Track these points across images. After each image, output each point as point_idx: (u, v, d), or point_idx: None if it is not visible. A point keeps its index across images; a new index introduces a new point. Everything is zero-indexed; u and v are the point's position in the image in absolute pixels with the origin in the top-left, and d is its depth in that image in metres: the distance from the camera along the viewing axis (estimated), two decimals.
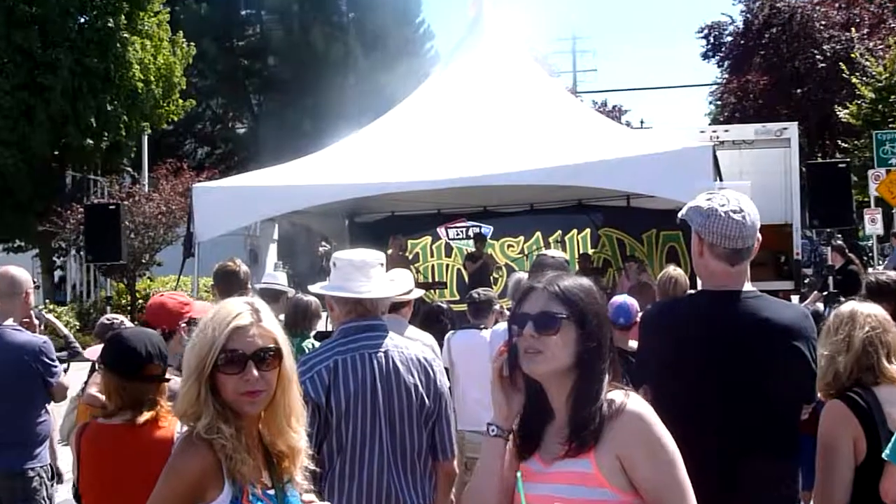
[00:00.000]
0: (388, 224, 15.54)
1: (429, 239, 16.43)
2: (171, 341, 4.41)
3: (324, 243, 23.08)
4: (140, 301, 23.35)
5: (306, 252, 35.08)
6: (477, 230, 15.93)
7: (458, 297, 15.10)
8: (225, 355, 2.52)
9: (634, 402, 2.47)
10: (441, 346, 6.97)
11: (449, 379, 6.74)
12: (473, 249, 15.43)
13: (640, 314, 5.99)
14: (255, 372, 2.53)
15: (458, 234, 16.44)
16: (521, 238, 15.92)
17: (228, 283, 6.48)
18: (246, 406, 2.56)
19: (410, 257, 15.79)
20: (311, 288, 4.26)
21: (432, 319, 7.68)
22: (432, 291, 15.32)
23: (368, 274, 3.95)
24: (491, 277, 14.92)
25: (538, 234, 15.70)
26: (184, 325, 4.62)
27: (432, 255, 16.47)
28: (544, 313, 2.52)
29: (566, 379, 2.53)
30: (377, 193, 10.69)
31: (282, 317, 7.41)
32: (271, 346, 2.59)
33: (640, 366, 3.76)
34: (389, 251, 14.13)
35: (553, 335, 2.50)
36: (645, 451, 2.42)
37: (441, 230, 16.42)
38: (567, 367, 2.52)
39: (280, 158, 12.90)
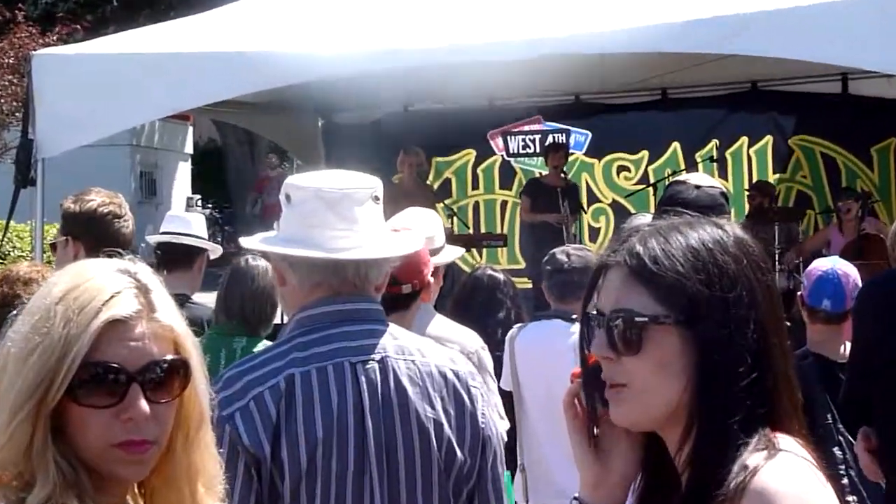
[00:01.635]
0: (397, 127, 15.64)
1: (472, 155, 16.53)
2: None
3: (275, 160, 23.11)
4: None
5: (244, 178, 35.19)
6: (560, 137, 15.91)
7: (525, 264, 15.21)
8: (88, 372, 2.50)
9: (768, 472, 2.38)
10: (496, 350, 7.02)
11: (508, 410, 6.79)
12: (546, 172, 15.37)
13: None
14: (144, 405, 2.52)
15: (526, 146, 16.44)
16: (644, 153, 16.01)
17: (97, 235, 6.51)
18: (122, 467, 2.56)
19: (438, 188, 15.83)
20: (245, 242, 4.27)
21: (480, 302, 7.71)
22: (478, 251, 15.36)
23: (352, 216, 3.95)
24: (586, 226, 14.93)
25: (675, 145, 15.79)
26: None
27: (476, 186, 16.54)
28: (618, 313, 2.46)
29: (676, 424, 2.49)
30: (376, 69, 10.71)
31: (203, 299, 7.45)
32: (171, 356, 2.59)
33: (852, 387, 3.77)
34: (399, 176, 14.20)
35: (634, 353, 2.45)
36: None
37: (496, 139, 16.47)
38: (674, 406, 2.47)
39: (196, 5, 12.93)
